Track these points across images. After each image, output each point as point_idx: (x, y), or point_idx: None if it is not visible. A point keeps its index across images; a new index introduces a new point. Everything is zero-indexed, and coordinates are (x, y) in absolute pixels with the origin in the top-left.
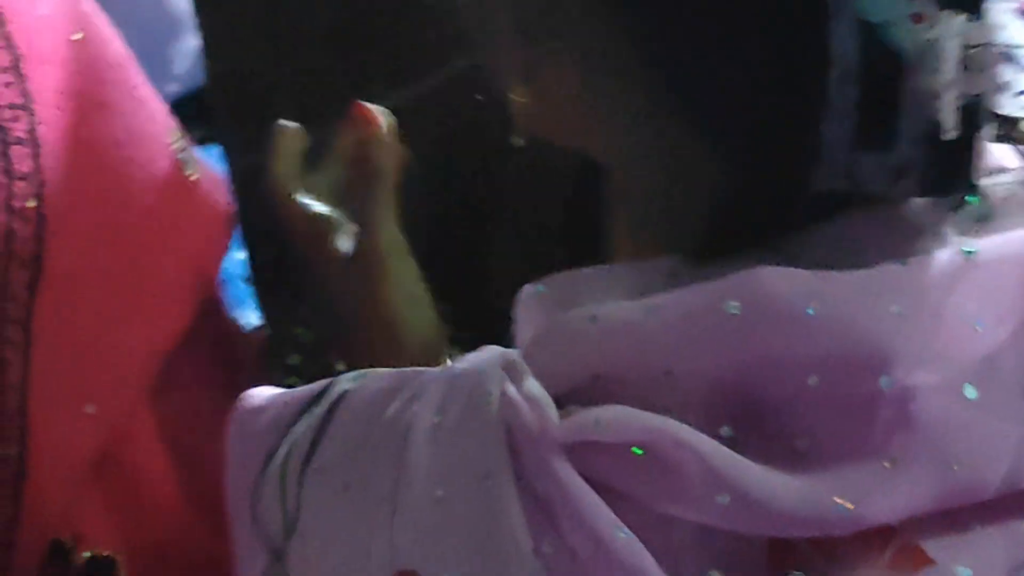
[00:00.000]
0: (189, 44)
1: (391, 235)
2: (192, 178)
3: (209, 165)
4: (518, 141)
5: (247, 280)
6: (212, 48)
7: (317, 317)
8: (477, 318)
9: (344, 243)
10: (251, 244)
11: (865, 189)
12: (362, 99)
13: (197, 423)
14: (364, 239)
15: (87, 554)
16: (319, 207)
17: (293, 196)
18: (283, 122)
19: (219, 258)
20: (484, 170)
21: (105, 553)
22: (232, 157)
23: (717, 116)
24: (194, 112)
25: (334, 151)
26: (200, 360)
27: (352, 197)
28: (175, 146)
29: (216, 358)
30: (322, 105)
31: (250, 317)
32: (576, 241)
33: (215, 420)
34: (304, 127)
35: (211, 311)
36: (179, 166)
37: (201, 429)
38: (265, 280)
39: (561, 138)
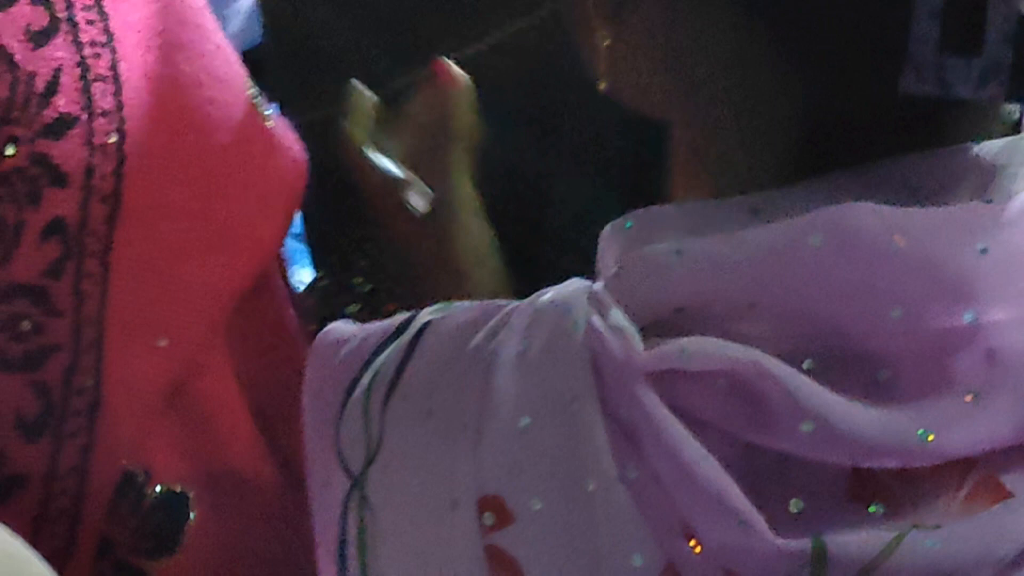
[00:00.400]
0: (244, 3)
1: (464, 193)
2: (269, 125)
3: (283, 121)
4: (602, 85)
5: (300, 236)
6: (270, 5)
7: (374, 268)
8: (545, 277)
9: (415, 200)
10: (306, 198)
11: (952, 93)
12: (432, 52)
13: (268, 359)
14: (437, 196)
15: (159, 488)
16: (390, 164)
17: (365, 154)
18: (355, 81)
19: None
20: (557, 122)
21: (177, 488)
22: (288, 114)
23: (804, 31)
24: (249, 71)
25: (410, 108)
26: (271, 299)
27: (427, 154)
28: (250, 93)
29: (284, 298)
30: (387, 60)
31: (301, 275)
32: (649, 185)
33: (285, 357)
34: (372, 83)
35: (282, 253)
36: (256, 112)
37: (271, 365)
38: (321, 232)
39: (643, 80)
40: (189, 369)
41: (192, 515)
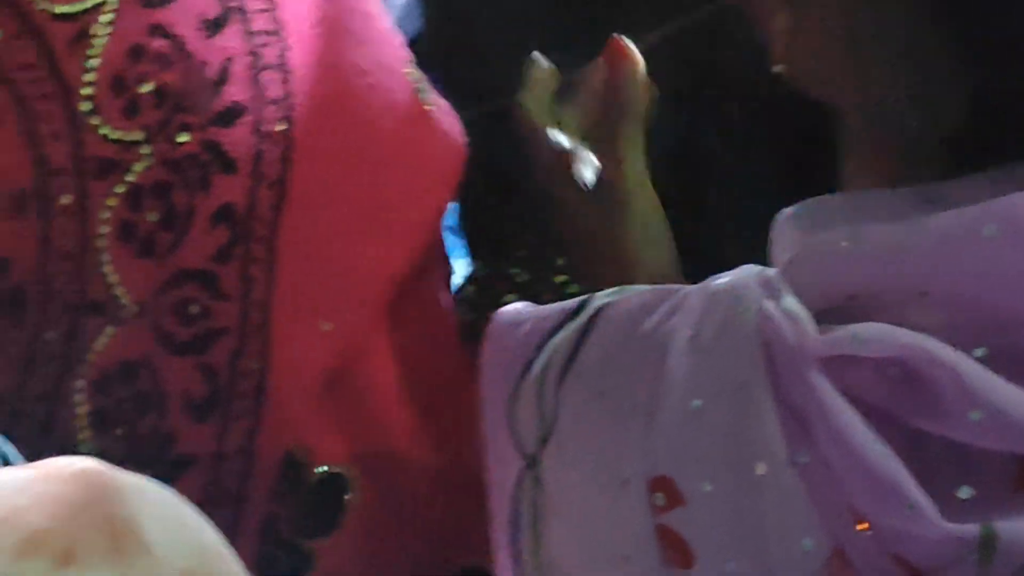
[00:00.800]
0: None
1: (636, 172)
2: (429, 109)
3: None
4: (779, 72)
5: (455, 227)
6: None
7: (533, 258)
8: (717, 262)
9: (586, 172)
10: (464, 189)
11: None
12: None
13: (429, 343)
14: (609, 174)
15: (321, 468)
16: (567, 141)
17: (543, 130)
18: (537, 56)
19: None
20: (728, 105)
21: (338, 468)
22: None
23: (980, 20)
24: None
25: (583, 82)
26: (429, 282)
27: (600, 132)
28: (412, 77)
29: (443, 283)
30: (558, 48)
31: (457, 267)
32: (819, 171)
33: (443, 341)
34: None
35: (440, 240)
36: (417, 97)
37: (432, 349)
38: (478, 223)
39: (819, 65)
40: (351, 352)
41: (352, 495)
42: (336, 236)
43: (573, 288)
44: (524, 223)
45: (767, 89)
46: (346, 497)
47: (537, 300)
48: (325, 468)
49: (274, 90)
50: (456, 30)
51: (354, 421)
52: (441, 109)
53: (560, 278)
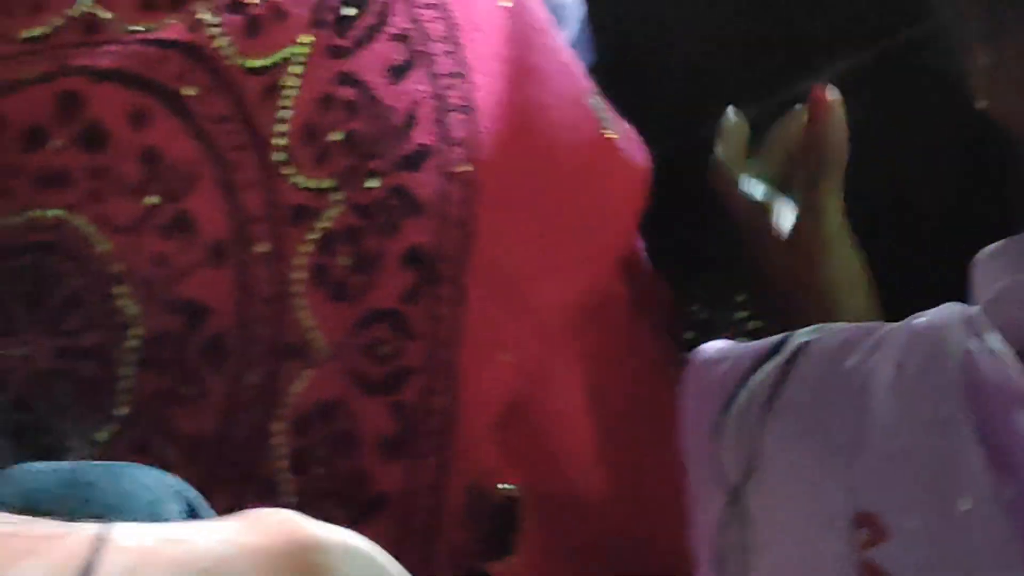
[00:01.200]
0: (569, 32)
1: (835, 220)
2: (611, 137)
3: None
4: (981, 104)
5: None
6: (602, 31)
7: (755, 302)
8: (912, 297)
9: (784, 225)
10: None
11: None
12: (791, 73)
13: (617, 372)
14: (808, 224)
15: (500, 492)
16: (762, 192)
17: (736, 180)
18: (732, 110)
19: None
20: (929, 139)
21: (515, 493)
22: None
23: None
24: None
25: (781, 132)
26: (619, 312)
27: (799, 181)
28: (593, 106)
29: (631, 311)
30: (751, 81)
31: None
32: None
33: (637, 372)
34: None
35: (629, 266)
36: (598, 126)
37: (621, 378)
38: (657, 260)
39: (1020, 102)
40: (533, 381)
41: (527, 519)
42: (520, 271)
43: (754, 324)
44: (704, 260)
45: (966, 127)
46: (521, 521)
47: (718, 337)
48: (503, 492)
49: (459, 131)
50: (628, 67)
51: (532, 448)
52: (625, 136)
53: (741, 314)
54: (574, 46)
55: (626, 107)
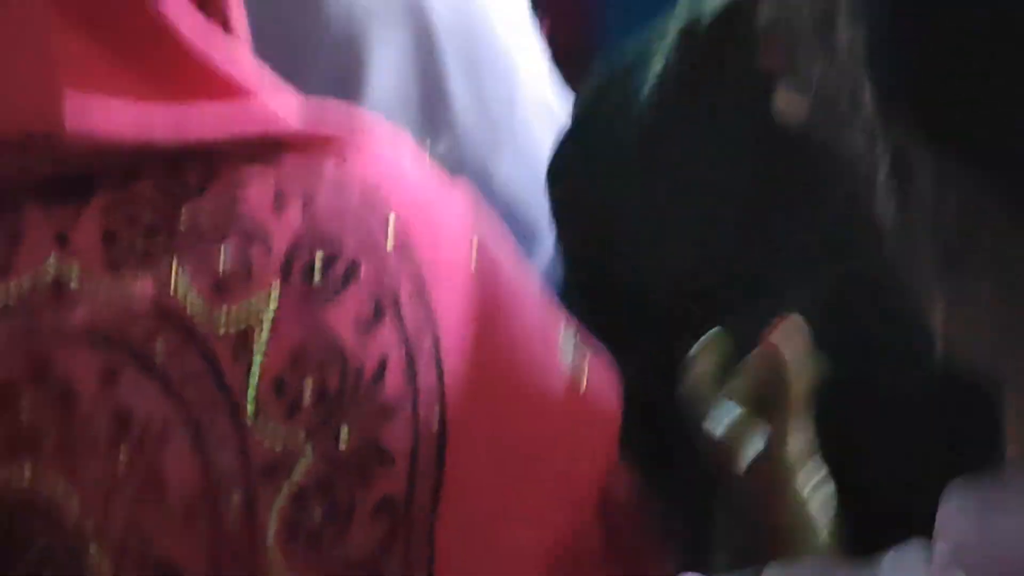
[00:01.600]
0: (544, 250)
1: (799, 447)
2: (582, 386)
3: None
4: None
5: None
6: (571, 252)
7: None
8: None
9: (747, 459)
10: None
11: None
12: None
13: None
14: (771, 449)
15: None
16: (729, 418)
17: (703, 416)
18: (712, 333)
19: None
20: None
21: None
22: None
23: None
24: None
25: (747, 366)
26: (590, 557)
27: (762, 407)
28: (564, 351)
29: (608, 556)
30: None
31: None
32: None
33: None
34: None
35: (606, 509)
36: (568, 374)
37: None
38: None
39: (978, 341)
40: None
41: None
42: (491, 517)
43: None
44: (678, 486)
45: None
46: None
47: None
48: None
49: (428, 382)
50: (594, 287)
51: None
52: (597, 373)
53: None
54: (548, 264)
55: (599, 325)
